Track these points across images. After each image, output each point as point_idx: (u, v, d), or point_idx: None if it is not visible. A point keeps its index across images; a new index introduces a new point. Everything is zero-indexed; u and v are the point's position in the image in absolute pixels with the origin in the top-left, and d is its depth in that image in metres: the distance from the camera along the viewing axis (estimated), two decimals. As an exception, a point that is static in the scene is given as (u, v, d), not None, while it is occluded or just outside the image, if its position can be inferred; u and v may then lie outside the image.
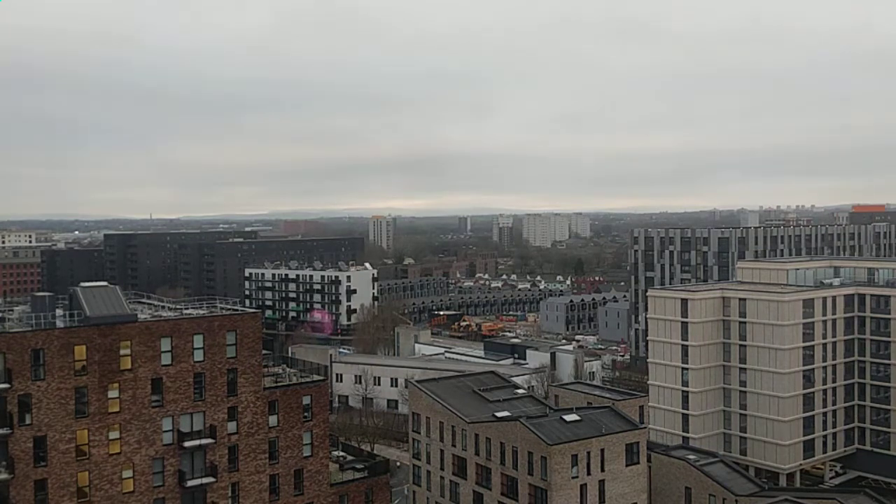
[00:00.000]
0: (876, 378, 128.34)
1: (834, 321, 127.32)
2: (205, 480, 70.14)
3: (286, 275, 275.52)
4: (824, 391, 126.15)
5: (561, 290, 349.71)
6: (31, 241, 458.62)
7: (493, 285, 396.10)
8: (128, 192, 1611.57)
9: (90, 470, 65.59)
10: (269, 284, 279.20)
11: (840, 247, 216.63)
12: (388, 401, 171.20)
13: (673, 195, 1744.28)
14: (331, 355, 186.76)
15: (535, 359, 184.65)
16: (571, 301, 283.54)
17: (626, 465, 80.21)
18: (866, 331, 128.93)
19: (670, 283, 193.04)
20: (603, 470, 78.63)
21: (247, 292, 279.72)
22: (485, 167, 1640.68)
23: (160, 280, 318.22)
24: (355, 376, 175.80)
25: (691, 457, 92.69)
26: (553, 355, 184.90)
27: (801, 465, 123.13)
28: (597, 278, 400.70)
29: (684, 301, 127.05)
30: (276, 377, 78.53)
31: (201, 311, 75.50)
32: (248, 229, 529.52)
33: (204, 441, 70.27)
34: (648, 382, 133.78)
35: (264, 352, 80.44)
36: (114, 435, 66.54)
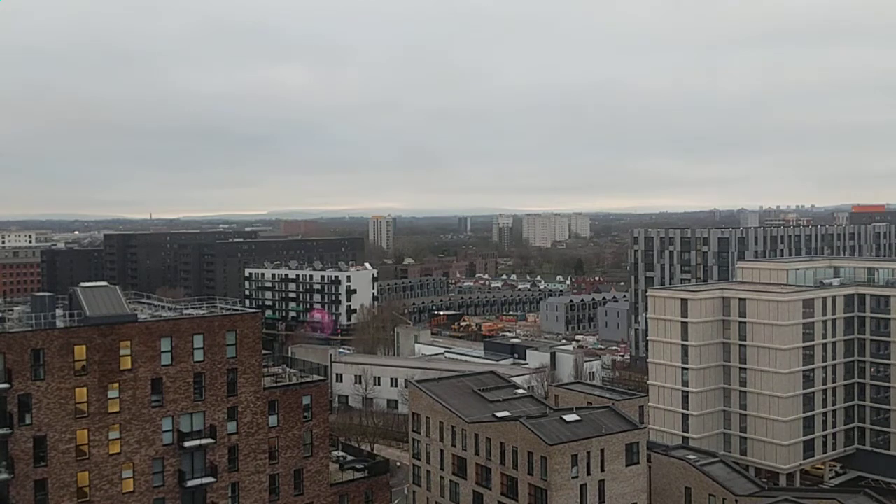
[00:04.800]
0: (876, 378, 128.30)
1: (834, 321, 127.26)
2: (205, 480, 70.10)
3: (286, 275, 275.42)
4: (824, 391, 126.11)
5: (561, 290, 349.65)
6: (31, 241, 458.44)
7: (493, 285, 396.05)
8: (128, 192, 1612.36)
9: (90, 470, 65.60)
10: (269, 284, 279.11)
11: (840, 247, 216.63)
12: (388, 401, 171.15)
13: (673, 195, 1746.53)
14: (331, 355, 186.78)
15: (535, 359, 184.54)
16: (571, 301, 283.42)
17: (626, 465, 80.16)
18: (866, 331, 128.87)
19: (670, 283, 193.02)
20: (603, 470, 78.59)
21: (247, 292, 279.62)
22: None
23: (160, 280, 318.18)
24: (355, 376, 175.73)
25: (691, 457, 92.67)
26: (553, 355, 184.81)
27: (800, 465, 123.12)
28: (597, 278, 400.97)
29: (684, 301, 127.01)
30: (276, 377, 78.49)
31: (201, 311, 75.45)
32: (248, 229, 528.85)
33: (204, 441, 70.23)
34: (648, 382, 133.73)
35: (264, 352, 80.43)
36: (114, 435, 66.54)
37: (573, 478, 77.11)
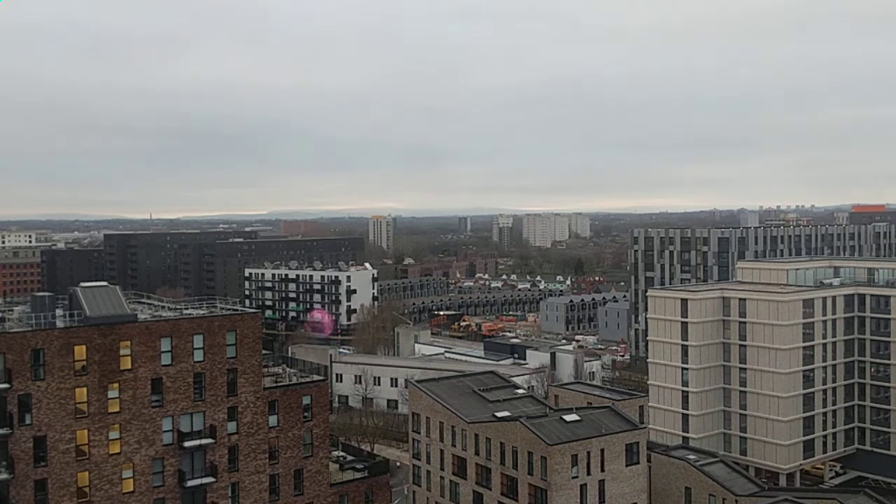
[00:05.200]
0: (876, 378, 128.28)
1: (834, 321, 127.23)
2: (205, 480, 70.10)
3: (286, 275, 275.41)
4: (824, 391, 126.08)
5: (561, 290, 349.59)
6: (31, 241, 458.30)
7: (493, 285, 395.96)
8: (128, 192, 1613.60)
9: (90, 470, 65.60)
10: (269, 284, 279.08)
11: (840, 247, 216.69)
12: (388, 401, 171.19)
13: (673, 195, 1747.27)
14: (331, 355, 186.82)
15: (535, 359, 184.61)
16: (571, 301, 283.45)
17: (626, 465, 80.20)
18: (866, 331, 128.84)
19: (670, 283, 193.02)
20: (603, 470, 78.62)
21: (247, 292, 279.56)
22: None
23: (160, 280, 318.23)
24: (355, 376, 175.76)
25: (691, 457, 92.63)
26: (553, 355, 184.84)
27: (800, 465, 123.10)
28: (597, 278, 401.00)
29: (684, 301, 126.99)
30: (276, 377, 78.48)
31: (201, 311, 75.44)
32: (248, 229, 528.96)
33: (204, 441, 70.24)
34: (648, 382, 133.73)
35: (264, 352, 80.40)
36: (114, 435, 66.54)
37: (573, 478, 77.13)
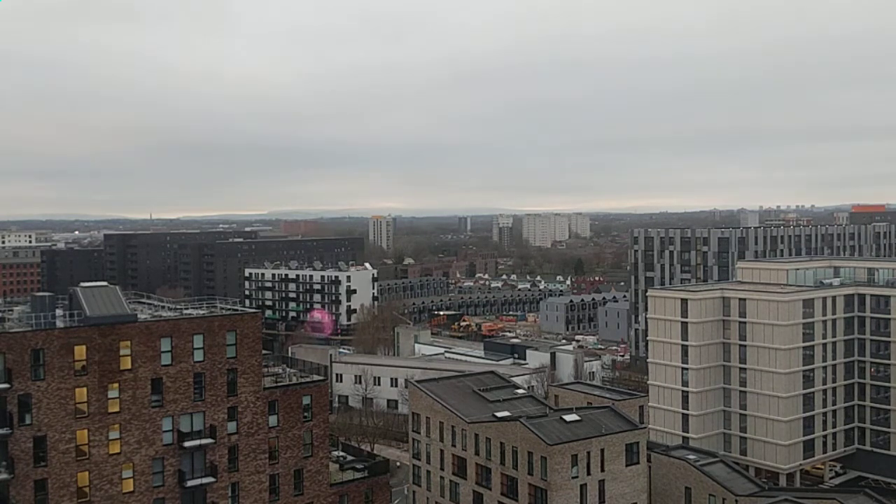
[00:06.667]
0: (876, 378, 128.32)
1: (834, 321, 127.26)
2: (205, 480, 70.15)
3: (286, 275, 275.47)
4: (824, 391, 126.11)
5: (561, 290, 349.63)
6: (31, 241, 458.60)
7: (493, 285, 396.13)
8: (128, 192, 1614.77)
9: (90, 470, 65.62)
10: (269, 284, 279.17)
11: (840, 247, 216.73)
12: (388, 401, 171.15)
13: (673, 195, 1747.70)
14: (331, 355, 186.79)
15: (535, 359, 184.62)
16: (571, 301, 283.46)
17: (626, 465, 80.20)
18: (866, 331, 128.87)
19: (670, 283, 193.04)
20: (603, 470, 78.63)
21: (247, 292, 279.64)
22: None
23: (160, 280, 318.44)
24: (355, 376, 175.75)
25: (691, 457, 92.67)
26: (553, 355, 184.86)
27: (800, 465, 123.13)
28: (597, 278, 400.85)
29: (684, 301, 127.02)
30: (276, 377, 78.53)
31: (201, 311, 75.49)
32: (248, 229, 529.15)
33: (204, 441, 70.28)
34: (648, 382, 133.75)
35: (264, 352, 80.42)
36: (114, 435, 66.56)
37: (573, 478, 77.14)
